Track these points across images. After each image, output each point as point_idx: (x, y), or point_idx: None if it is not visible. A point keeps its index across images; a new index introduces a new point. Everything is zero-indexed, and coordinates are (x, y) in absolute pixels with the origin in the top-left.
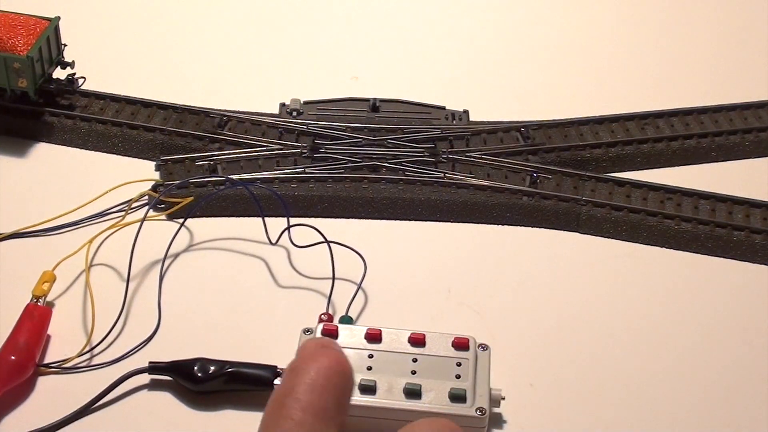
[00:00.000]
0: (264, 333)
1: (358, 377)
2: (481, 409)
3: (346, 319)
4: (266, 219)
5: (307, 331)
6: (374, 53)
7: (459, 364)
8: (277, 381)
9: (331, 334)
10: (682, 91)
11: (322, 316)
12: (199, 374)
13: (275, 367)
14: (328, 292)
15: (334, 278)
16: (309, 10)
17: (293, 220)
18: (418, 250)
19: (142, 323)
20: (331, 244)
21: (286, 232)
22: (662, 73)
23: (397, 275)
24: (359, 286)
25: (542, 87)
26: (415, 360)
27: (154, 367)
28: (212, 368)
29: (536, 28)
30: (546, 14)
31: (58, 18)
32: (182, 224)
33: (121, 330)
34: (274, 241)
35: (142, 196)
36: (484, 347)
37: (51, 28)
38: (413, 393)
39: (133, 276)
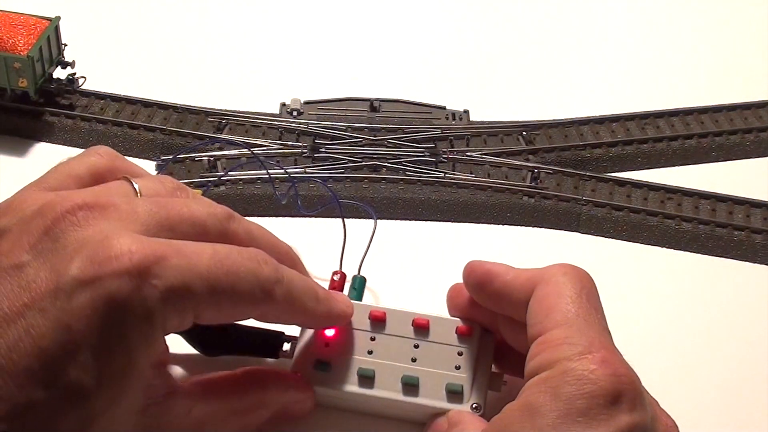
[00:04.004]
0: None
1: (358, 361)
2: (476, 406)
3: (358, 287)
4: (264, 218)
5: None
6: (374, 53)
7: (460, 354)
8: (286, 347)
9: None
10: (682, 91)
11: (335, 277)
12: (205, 335)
13: (282, 333)
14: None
15: (345, 234)
16: (309, 10)
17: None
18: (418, 250)
19: None
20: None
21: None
22: (662, 73)
23: (397, 275)
24: (370, 241)
25: (542, 87)
26: (416, 346)
27: None
28: (219, 330)
29: (536, 28)
30: (546, 14)
31: (58, 18)
32: None
33: None
34: (284, 201)
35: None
36: (489, 333)
37: (51, 28)
38: (410, 385)
39: None
